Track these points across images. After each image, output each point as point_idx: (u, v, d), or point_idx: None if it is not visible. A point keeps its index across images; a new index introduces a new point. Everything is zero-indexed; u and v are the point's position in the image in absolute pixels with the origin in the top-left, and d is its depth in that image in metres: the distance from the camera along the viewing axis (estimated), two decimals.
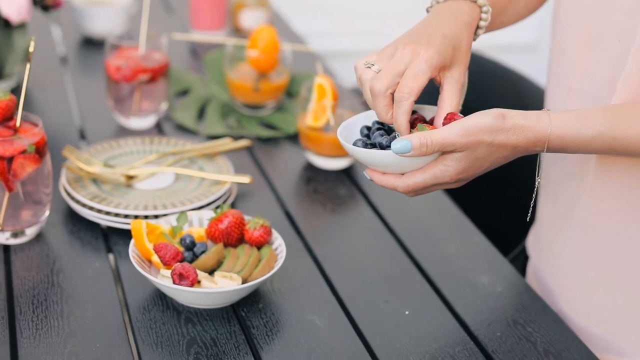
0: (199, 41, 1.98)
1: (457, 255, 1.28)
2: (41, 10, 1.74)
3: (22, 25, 1.68)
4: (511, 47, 3.22)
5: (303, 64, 1.84)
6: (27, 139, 1.19)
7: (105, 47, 1.58)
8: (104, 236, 1.28)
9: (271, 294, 1.18)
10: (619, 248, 1.17)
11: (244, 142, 1.46)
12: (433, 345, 1.10)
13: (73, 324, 1.10)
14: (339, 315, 1.15)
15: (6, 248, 1.24)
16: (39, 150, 1.20)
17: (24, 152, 1.19)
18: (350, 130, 1.10)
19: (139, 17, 2.03)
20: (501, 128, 1.00)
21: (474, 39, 1.12)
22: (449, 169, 1.02)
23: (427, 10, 1.14)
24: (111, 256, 1.24)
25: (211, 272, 1.15)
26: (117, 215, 1.28)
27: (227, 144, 1.45)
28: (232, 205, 1.36)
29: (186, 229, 1.22)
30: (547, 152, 1.02)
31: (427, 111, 1.10)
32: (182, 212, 1.21)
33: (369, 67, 1.06)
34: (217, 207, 1.24)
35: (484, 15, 1.12)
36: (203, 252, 1.17)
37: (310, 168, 1.50)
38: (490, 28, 1.18)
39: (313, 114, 1.48)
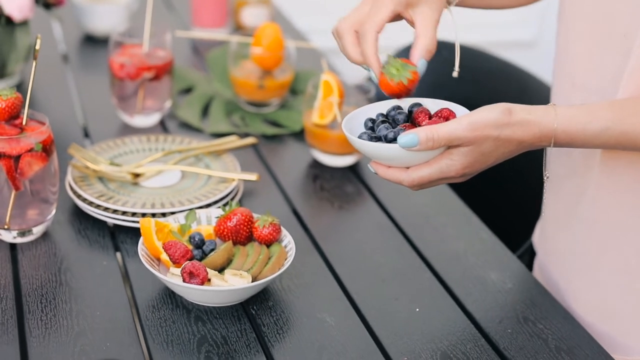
0: (203, 38, 1.97)
1: (465, 252, 1.28)
2: (43, 7, 1.74)
3: (24, 23, 1.67)
4: (511, 43, 3.23)
5: (307, 61, 1.84)
6: (34, 137, 1.18)
7: (109, 44, 1.57)
8: (111, 234, 1.27)
9: (281, 292, 1.17)
10: (625, 243, 1.17)
11: (250, 140, 1.46)
12: (444, 342, 1.10)
13: (82, 323, 1.09)
14: (349, 313, 1.14)
15: (13, 247, 1.23)
16: (46, 149, 1.20)
17: (31, 150, 1.18)
18: (353, 123, 1.09)
19: (140, 15, 2.02)
20: (507, 123, 1.00)
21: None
22: (455, 164, 1.02)
23: None
24: (118, 255, 1.24)
25: (220, 270, 1.15)
26: (124, 213, 1.27)
27: (233, 141, 1.45)
28: (239, 204, 1.35)
29: (194, 227, 1.21)
30: (553, 147, 1.02)
31: (430, 104, 1.09)
32: (191, 210, 1.20)
33: None
34: (225, 205, 1.24)
35: None
36: (212, 250, 1.16)
37: (316, 165, 1.50)
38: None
39: (319, 111, 1.47)
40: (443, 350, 1.08)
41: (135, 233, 1.27)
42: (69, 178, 1.33)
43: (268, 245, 1.18)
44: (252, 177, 1.35)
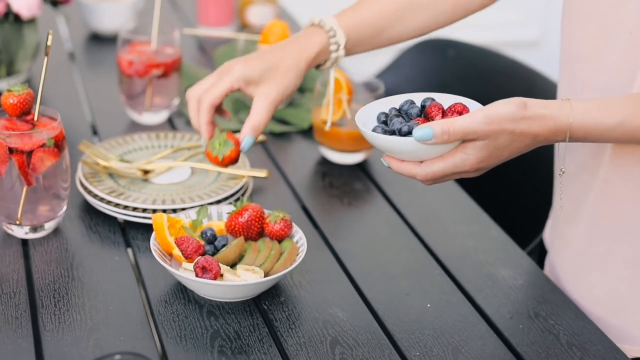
0: (210, 36, 1.97)
1: (475, 249, 1.28)
2: (51, 5, 1.74)
3: (32, 21, 1.67)
4: (515, 42, 3.23)
5: None
6: (46, 133, 1.19)
7: (118, 42, 1.57)
8: (122, 230, 1.28)
9: (292, 287, 1.17)
10: (635, 236, 1.17)
11: (260, 137, 1.46)
12: (456, 337, 1.10)
13: (96, 317, 1.09)
14: (360, 308, 1.15)
15: (24, 242, 1.23)
16: (58, 144, 1.20)
17: (43, 145, 1.18)
18: (366, 117, 1.09)
19: (145, 14, 2.02)
20: (523, 116, 1.00)
21: (330, 64, 1.25)
22: (470, 158, 1.02)
23: None
24: (129, 250, 1.24)
25: (232, 265, 1.15)
26: (135, 209, 1.27)
27: None
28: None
29: (205, 223, 1.21)
30: (568, 141, 1.02)
31: (443, 98, 1.09)
32: (202, 206, 1.21)
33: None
34: (236, 200, 1.24)
35: (332, 47, 1.23)
36: (224, 245, 1.16)
37: (324, 163, 1.50)
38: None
39: (328, 109, 1.48)
40: (455, 345, 1.09)
41: (145, 229, 1.27)
42: (79, 174, 1.33)
43: (279, 241, 1.18)
44: (262, 173, 1.35)
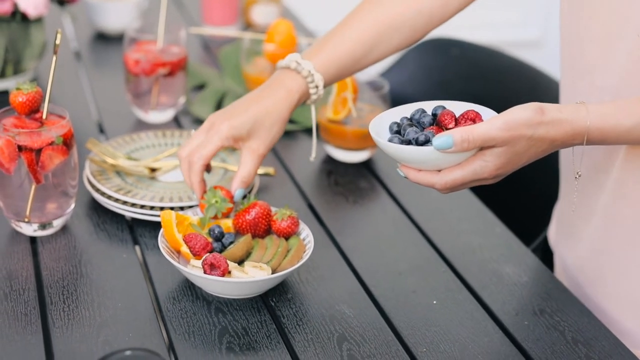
0: (215, 35, 1.98)
1: (480, 246, 1.29)
2: (57, 4, 1.75)
3: (39, 20, 1.68)
4: (516, 42, 3.24)
5: None
6: (54, 131, 1.19)
7: (124, 41, 1.58)
8: (130, 228, 1.29)
9: (299, 284, 1.18)
10: None
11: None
12: (462, 334, 1.11)
13: (105, 314, 1.10)
14: (367, 305, 1.16)
15: (33, 240, 1.24)
16: (67, 142, 1.21)
17: (51, 143, 1.19)
18: (378, 127, 1.08)
19: (150, 13, 2.03)
20: (540, 122, 1.00)
21: (311, 102, 1.26)
22: (489, 165, 1.01)
23: (276, 68, 1.27)
24: (137, 248, 1.25)
25: (239, 262, 1.16)
26: (142, 207, 1.28)
27: None
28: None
29: (213, 220, 1.22)
30: (585, 145, 1.02)
31: (453, 106, 1.09)
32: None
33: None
34: (243, 198, 1.25)
35: (312, 90, 1.24)
36: (231, 242, 1.17)
37: (329, 161, 1.51)
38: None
39: (333, 107, 1.49)
40: (461, 342, 1.10)
41: (153, 227, 1.28)
42: (87, 172, 1.34)
43: (286, 238, 1.19)
44: (269, 170, 1.36)
